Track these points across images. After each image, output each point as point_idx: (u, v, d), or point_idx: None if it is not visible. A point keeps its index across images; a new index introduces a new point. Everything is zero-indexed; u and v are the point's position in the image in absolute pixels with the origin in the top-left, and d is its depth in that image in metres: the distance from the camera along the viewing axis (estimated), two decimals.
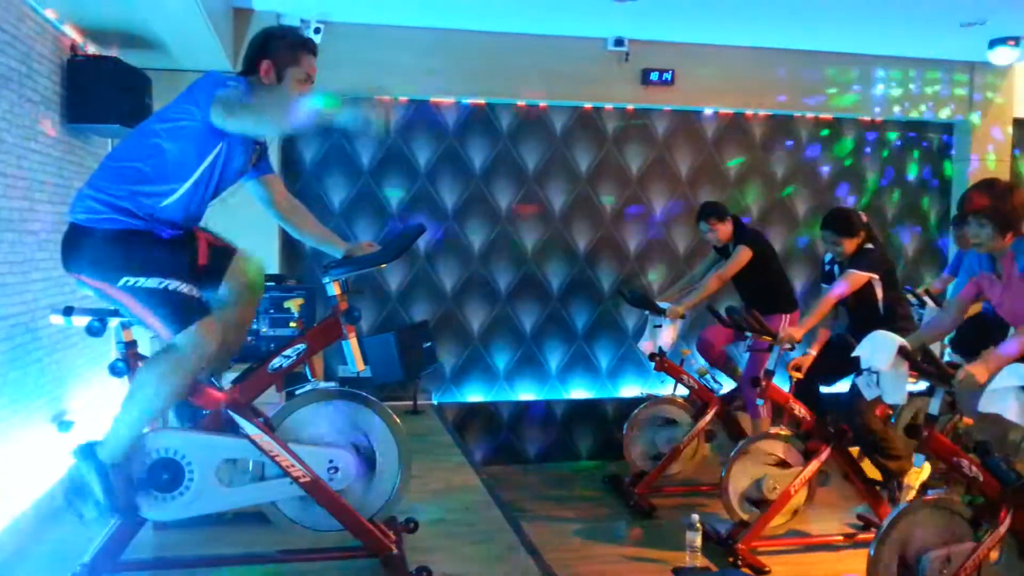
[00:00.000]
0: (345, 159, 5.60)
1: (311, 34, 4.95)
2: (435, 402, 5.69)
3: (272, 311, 4.18)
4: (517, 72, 5.58)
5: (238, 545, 3.00)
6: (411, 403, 5.40)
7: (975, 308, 4.68)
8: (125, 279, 2.41)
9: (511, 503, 4.53)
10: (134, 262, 2.43)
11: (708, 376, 4.99)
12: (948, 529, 3.18)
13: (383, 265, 2.81)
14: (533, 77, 5.60)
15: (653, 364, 4.98)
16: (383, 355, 4.97)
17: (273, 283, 4.11)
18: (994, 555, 3.17)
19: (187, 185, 2.50)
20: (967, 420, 3.26)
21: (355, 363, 2.67)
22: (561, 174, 5.86)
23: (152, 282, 2.41)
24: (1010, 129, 6.36)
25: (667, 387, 5.19)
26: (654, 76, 5.72)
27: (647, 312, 5.09)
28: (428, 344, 5.36)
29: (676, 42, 5.71)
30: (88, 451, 2.47)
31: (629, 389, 5.99)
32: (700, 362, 5.16)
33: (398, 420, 2.84)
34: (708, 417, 4.87)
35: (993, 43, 5.61)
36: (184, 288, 2.46)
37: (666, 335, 4.91)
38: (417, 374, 5.23)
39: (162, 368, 2.44)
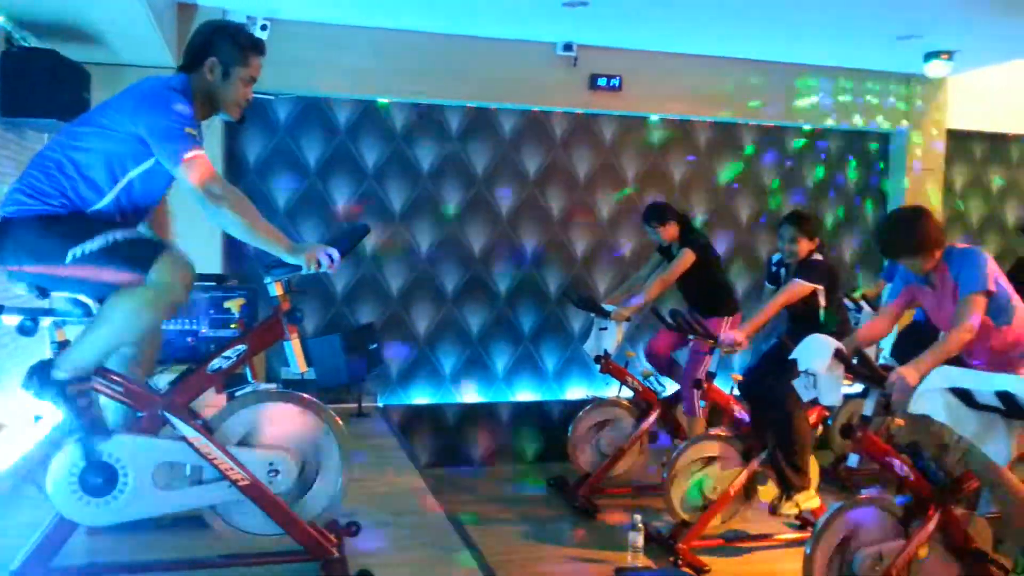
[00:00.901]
0: (290, 158, 5.54)
1: (258, 31, 4.88)
2: (381, 404, 5.66)
3: (212, 312, 4.10)
4: (466, 74, 5.58)
5: (176, 550, 2.93)
6: (356, 405, 5.36)
7: (909, 315, 4.84)
8: (71, 252, 2.34)
9: (455, 505, 4.52)
10: (74, 233, 2.36)
11: (652, 378, 5.06)
12: (880, 527, 3.28)
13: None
14: (482, 80, 5.61)
15: (598, 366, 5.04)
16: (328, 357, 4.93)
17: (213, 283, 4.03)
18: (923, 552, 3.28)
19: (118, 189, 2.45)
20: (898, 421, 3.36)
21: (297, 364, 2.64)
22: (509, 177, 5.88)
23: (98, 241, 2.35)
24: (943, 140, 6.57)
25: (612, 389, 5.25)
26: (602, 81, 5.78)
27: (593, 315, 5.15)
28: (374, 346, 5.33)
29: (624, 48, 5.77)
30: (43, 378, 2.40)
31: (575, 391, 6.03)
32: (644, 364, 5.22)
33: (340, 422, 2.81)
34: (651, 419, 4.94)
35: (928, 56, 5.80)
36: (132, 235, 2.42)
37: (611, 338, 4.97)
38: (362, 376, 5.19)
39: (138, 301, 2.38)
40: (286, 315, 2.60)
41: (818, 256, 4.23)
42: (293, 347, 2.62)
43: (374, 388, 5.67)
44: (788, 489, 4.15)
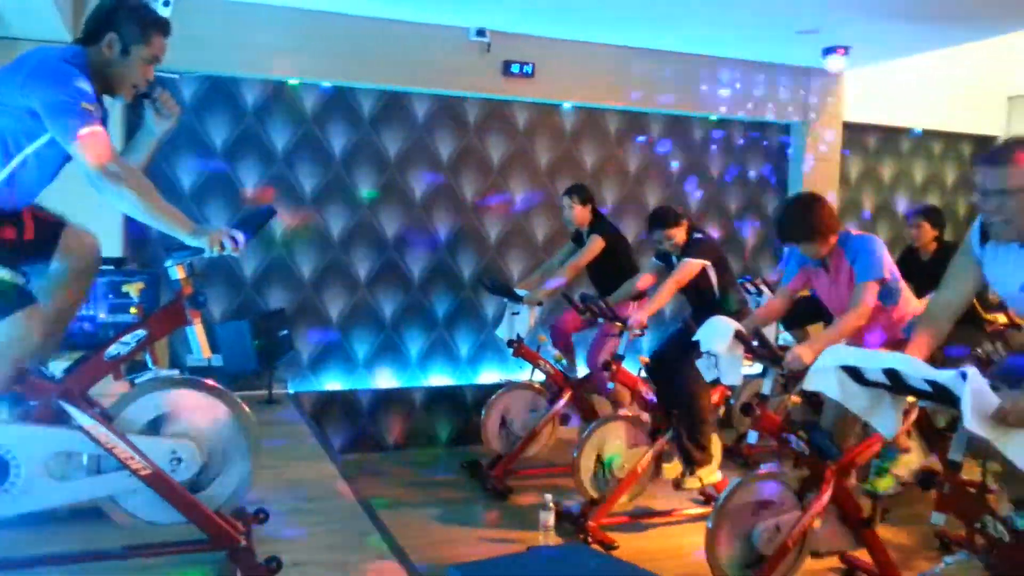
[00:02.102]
0: (196, 140, 5.37)
1: (160, 7, 4.70)
2: (291, 391, 5.57)
3: (111, 296, 3.96)
4: (379, 57, 5.52)
5: (74, 543, 2.83)
6: (266, 392, 5.26)
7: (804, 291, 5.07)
8: None
9: (369, 490, 4.50)
10: None
11: (564, 361, 5.15)
12: (778, 500, 3.44)
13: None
14: (395, 63, 5.55)
15: (511, 350, 5.09)
16: (236, 343, 4.81)
17: (112, 266, 3.89)
18: (818, 523, 3.45)
19: (12, 167, 2.34)
20: (794, 399, 3.53)
21: (201, 350, 2.58)
22: (423, 161, 5.85)
23: None
24: (840, 132, 6.87)
25: (525, 372, 5.31)
26: (515, 68, 5.80)
27: (506, 300, 5.20)
28: (284, 332, 5.23)
29: (537, 36, 5.81)
30: None
31: (488, 375, 6.08)
32: (555, 348, 5.30)
33: (247, 408, 2.77)
34: (563, 401, 5.02)
35: (826, 51, 6.04)
36: (6, 275, 2.31)
37: (524, 322, 5.03)
38: (273, 363, 5.10)
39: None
40: (188, 299, 2.54)
41: (698, 234, 4.39)
42: (196, 332, 2.56)
43: (285, 374, 5.58)
44: (691, 465, 4.30)
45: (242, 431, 2.73)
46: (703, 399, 4.24)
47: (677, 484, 4.37)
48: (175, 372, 2.91)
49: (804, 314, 4.66)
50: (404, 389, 5.86)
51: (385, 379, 5.86)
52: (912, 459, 3.45)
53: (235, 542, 2.65)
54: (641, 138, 6.45)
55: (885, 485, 3.43)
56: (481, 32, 5.65)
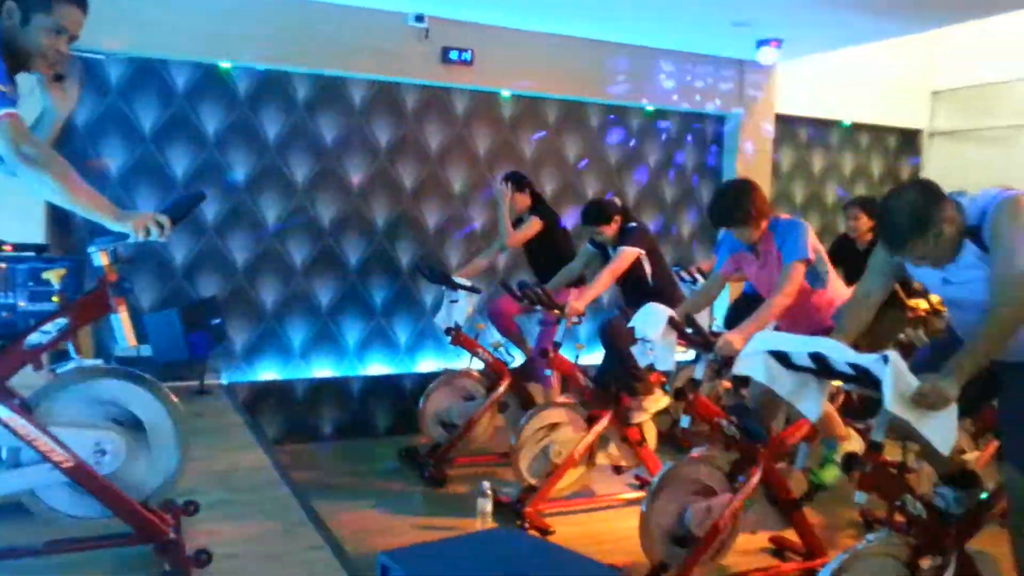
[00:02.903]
0: (124, 123, 5.19)
1: None
2: (225, 381, 5.46)
3: (31, 283, 3.80)
4: (315, 41, 5.41)
5: None
6: (198, 383, 5.15)
7: (739, 288, 5.18)
8: None
9: (304, 481, 4.46)
10: None
11: (502, 349, 5.16)
12: (710, 483, 3.52)
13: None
14: (331, 48, 5.46)
15: (449, 338, 5.08)
16: (166, 332, 4.69)
17: (33, 253, 3.73)
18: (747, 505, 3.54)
19: None
20: (726, 384, 3.60)
21: (126, 339, 2.50)
22: (360, 148, 5.77)
23: None
24: (772, 123, 7.02)
25: (464, 361, 5.31)
26: (453, 55, 5.76)
27: (444, 287, 5.18)
28: (217, 321, 5.12)
29: (476, 23, 5.78)
30: None
31: (427, 364, 6.05)
32: (495, 336, 5.31)
33: (175, 398, 2.71)
34: (502, 389, 5.04)
35: (759, 43, 6.16)
36: None
37: (462, 310, 5.03)
38: (204, 352, 4.98)
39: None
40: (112, 287, 2.46)
41: (631, 224, 4.46)
42: (121, 320, 2.49)
43: (218, 365, 5.46)
44: (635, 394, 4.34)
45: (169, 421, 2.67)
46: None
47: (627, 417, 4.41)
48: (99, 362, 2.82)
49: (745, 314, 4.73)
50: (341, 378, 5.80)
51: (322, 368, 5.79)
52: (852, 446, 3.55)
53: (163, 535, 2.59)
54: (579, 127, 6.47)
55: (832, 476, 3.52)
56: (419, 18, 5.60)
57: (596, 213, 4.50)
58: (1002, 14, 5.87)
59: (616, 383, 4.37)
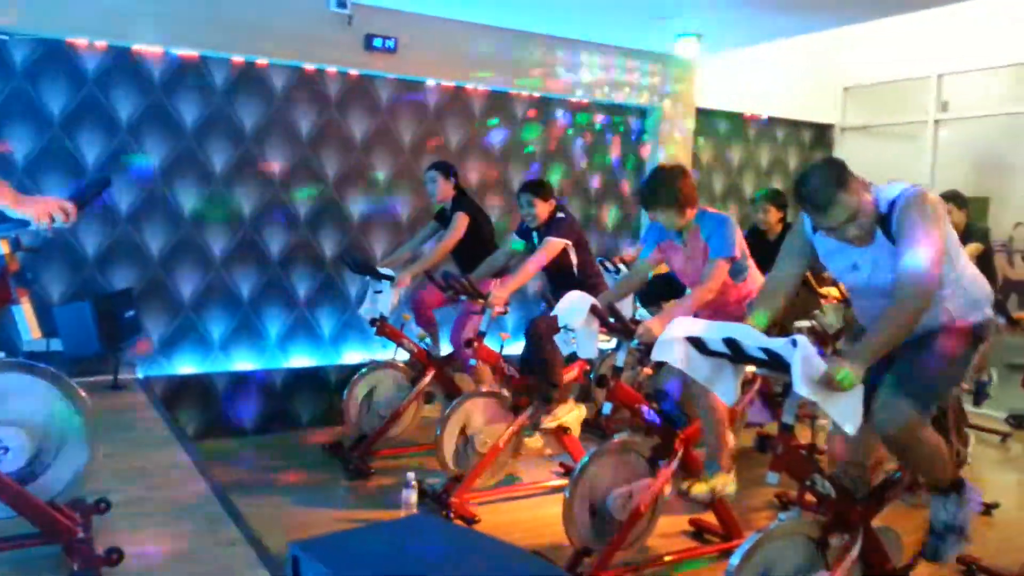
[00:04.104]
0: (30, 107, 4.96)
1: None
2: (140, 376, 5.29)
3: None
4: (233, 25, 5.27)
5: None
6: (112, 377, 4.98)
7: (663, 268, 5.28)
8: None
9: (224, 477, 4.35)
10: None
11: (427, 340, 5.14)
12: (631, 468, 3.58)
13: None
14: (251, 32, 5.33)
15: (374, 329, 5.04)
16: (77, 325, 4.53)
17: None
18: (668, 489, 3.62)
19: None
20: (647, 370, 3.67)
21: (29, 331, 2.40)
22: (282, 136, 5.65)
23: None
24: (692, 117, 7.16)
25: (389, 352, 5.27)
26: (377, 43, 5.70)
27: (368, 278, 5.13)
28: (131, 313, 4.96)
29: (399, 10, 5.72)
30: None
31: (352, 355, 5.98)
32: (419, 326, 5.29)
33: (84, 394, 2.61)
34: (427, 379, 5.02)
35: (679, 37, 6.27)
36: None
37: (387, 301, 4.98)
38: (118, 346, 4.83)
39: None
40: (14, 277, 2.35)
41: (561, 214, 4.50)
42: (24, 312, 2.39)
43: (133, 358, 5.29)
44: (549, 402, 4.39)
45: (77, 417, 2.57)
46: (552, 349, 4.27)
47: (535, 425, 4.45)
48: (1, 355, 2.70)
49: (661, 291, 4.86)
50: (263, 371, 5.68)
51: (243, 361, 5.66)
52: (728, 482, 3.61)
53: (71, 534, 2.50)
54: (505, 118, 6.48)
55: (698, 490, 3.56)
56: (342, 3, 5.50)
57: (537, 185, 4.55)
58: (909, 12, 6.13)
59: (534, 389, 4.41)
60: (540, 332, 4.31)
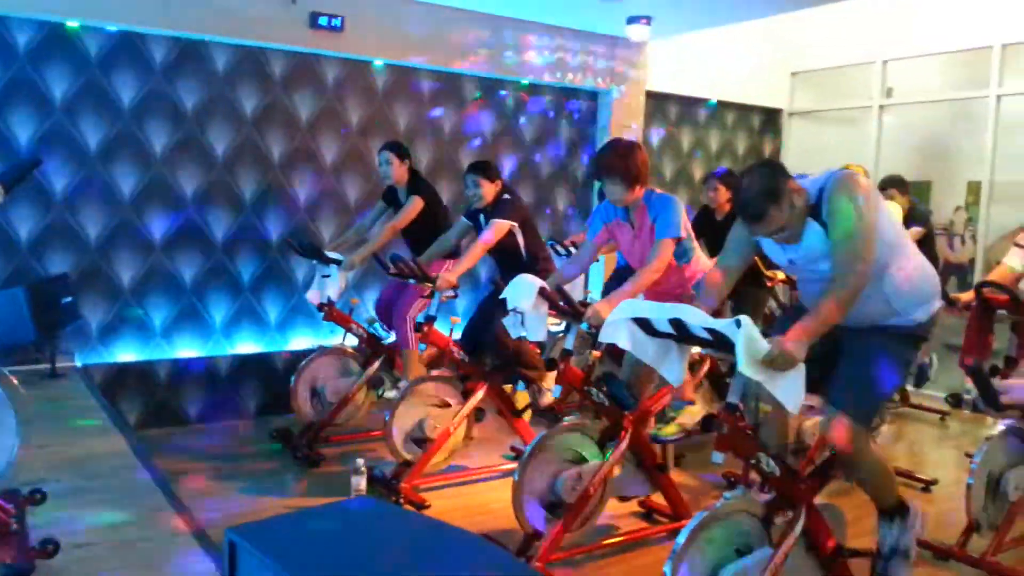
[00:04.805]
0: None
1: None
2: (79, 364, 5.13)
3: None
4: (172, 1, 5.11)
5: None
6: (49, 366, 4.83)
7: (614, 259, 5.29)
8: None
9: (167, 466, 4.28)
10: None
11: (377, 324, 5.08)
12: (580, 450, 3.59)
13: None
14: (190, 8, 5.17)
15: (322, 314, 4.96)
16: (10, 312, 4.34)
17: None
18: (617, 470, 3.64)
19: None
20: (596, 353, 3.67)
21: None
22: (224, 116, 5.50)
23: None
24: (643, 100, 7.18)
25: (338, 337, 5.20)
26: (323, 21, 5.57)
27: (316, 262, 5.05)
28: (68, 299, 4.79)
29: None
30: None
31: (300, 341, 5.88)
32: (370, 311, 5.22)
33: (14, 380, 2.52)
34: (376, 365, 4.96)
35: (630, 20, 6.27)
36: None
37: (335, 285, 4.91)
38: (54, 333, 4.67)
39: None
40: None
41: (507, 196, 4.48)
42: None
43: (71, 346, 5.12)
44: (531, 383, 4.40)
45: (5, 405, 2.47)
46: (508, 339, 4.29)
47: (535, 406, 4.49)
48: None
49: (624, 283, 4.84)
50: (207, 358, 5.55)
51: (186, 348, 5.53)
52: (696, 410, 3.71)
53: (3, 526, 2.41)
54: (455, 100, 6.42)
55: (669, 432, 3.66)
56: None
57: (483, 166, 4.53)
58: None
59: (508, 374, 4.43)
60: (498, 334, 4.29)
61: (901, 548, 2.90)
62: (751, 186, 2.63)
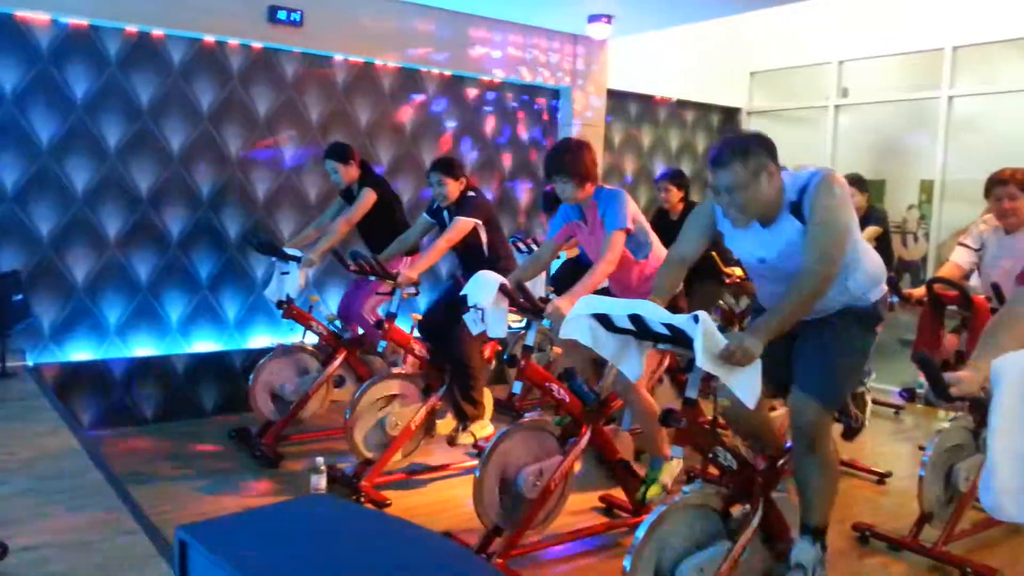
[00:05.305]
0: None
1: None
2: (30, 363, 5.01)
3: None
4: None
5: None
6: None
7: (574, 252, 5.31)
8: None
9: (122, 466, 4.21)
10: None
11: (337, 322, 5.04)
12: (541, 447, 3.59)
13: None
14: (145, 1, 5.07)
15: (281, 312, 4.91)
16: None
17: None
18: (578, 466, 3.66)
19: None
20: (556, 350, 3.69)
21: None
22: (180, 111, 5.41)
23: None
24: (604, 98, 7.21)
25: (297, 335, 5.14)
26: (282, 15, 5.51)
27: (274, 259, 4.99)
28: (19, 297, 4.69)
29: None
30: None
31: (259, 339, 5.81)
32: (329, 308, 5.18)
33: None
34: (336, 363, 4.92)
35: (591, 18, 6.29)
36: None
37: (294, 282, 4.86)
38: (5, 332, 4.56)
39: None
40: None
41: (471, 193, 4.48)
42: None
43: (22, 345, 5.00)
44: (464, 420, 4.39)
45: None
46: (474, 355, 4.34)
47: (451, 440, 4.46)
48: None
49: (574, 277, 4.86)
50: (164, 357, 5.46)
51: (142, 347, 5.43)
52: (674, 465, 3.71)
53: None
54: (416, 96, 6.39)
55: (653, 494, 3.67)
56: None
57: (447, 163, 4.49)
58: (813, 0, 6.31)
59: (452, 399, 4.42)
60: (464, 340, 4.27)
61: (809, 570, 2.79)
62: (731, 137, 2.66)
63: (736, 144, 2.62)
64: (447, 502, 4.18)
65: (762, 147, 2.63)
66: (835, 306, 2.79)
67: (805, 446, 2.78)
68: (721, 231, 2.88)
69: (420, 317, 4.68)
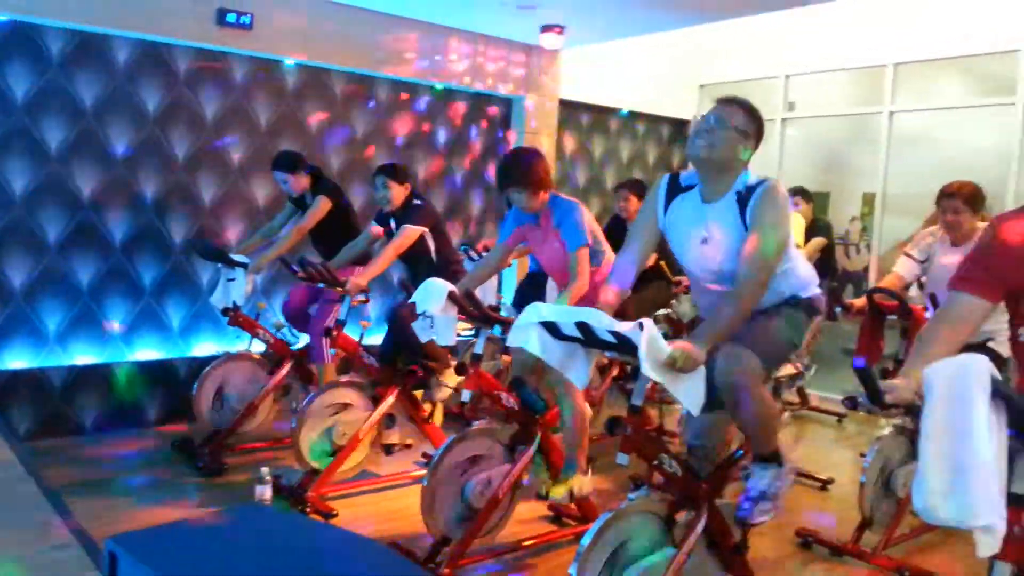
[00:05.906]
0: None
1: None
2: None
3: None
4: None
5: None
6: None
7: (526, 264, 5.32)
8: None
9: (61, 477, 4.10)
10: None
11: (284, 330, 4.97)
12: (490, 455, 3.58)
13: None
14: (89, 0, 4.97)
15: (227, 319, 4.82)
16: None
17: None
18: (526, 475, 3.65)
19: None
20: (505, 358, 3.68)
21: None
22: (125, 113, 5.29)
23: None
24: (556, 108, 7.26)
25: (244, 343, 5.06)
26: (231, 18, 5.43)
27: (220, 265, 4.90)
28: None
29: None
30: None
31: (204, 347, 5.70)
32: (277, 316, 5.11)
33: None
34: (284, 371, 4.85)
35: (543, 28, 6.33)
36: None
37: (240, 289, 4.78)
38: None
39: None
40: None
41: (417, 201, 4.47)
42: None
43: None
44: (432, 373, 4.35)
45: None
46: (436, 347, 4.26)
47: (430, 396, 4.40)
48: None
49: (531, 292, 4.87)
50: (105, 365, 5.31)
51: (82, 355, 5.28)
52: (587, 482, 3.66)
53: None
54: (369, 103, 6.35)
55: (557, 493, 3.62)
56: None
57: (392, 168, 4.49)
58: (761, 13, 6.44)
59: (410, 363, 4.36)
60: (403, 318, 4.25)
61: (770, 493, 2.85)
62: (748, 102, 2.83)
63: (751, 106, 2.81)
64: (396, 512, 4.14)
65: (759, 128, 2.84)
66: (767, 305, 2.83)
67: (739, 396, 2.64)
68: (664, 224, 2.91)
69: (369, 324, 4.63)
